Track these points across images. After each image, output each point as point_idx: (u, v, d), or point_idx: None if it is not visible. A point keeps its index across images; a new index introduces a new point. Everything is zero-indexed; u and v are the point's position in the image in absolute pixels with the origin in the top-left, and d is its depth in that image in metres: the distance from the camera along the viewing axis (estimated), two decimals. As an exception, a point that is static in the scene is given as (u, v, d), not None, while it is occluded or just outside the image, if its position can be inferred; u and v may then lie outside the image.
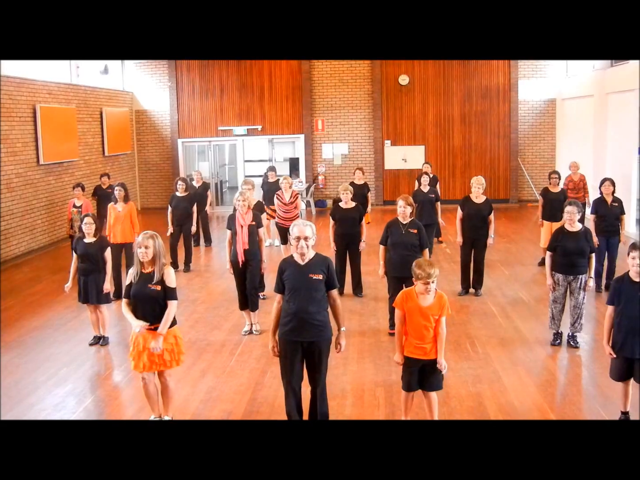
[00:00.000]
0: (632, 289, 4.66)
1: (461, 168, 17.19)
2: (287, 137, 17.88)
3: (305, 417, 4.86)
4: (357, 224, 8.46)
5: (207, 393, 5.75)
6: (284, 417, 4.86)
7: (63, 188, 13.47)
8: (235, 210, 7.24)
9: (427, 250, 6.94)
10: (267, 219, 10.54)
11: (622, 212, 8.53)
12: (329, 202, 16.80)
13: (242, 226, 7.01)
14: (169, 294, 4.81)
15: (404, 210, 6.92)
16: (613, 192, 8.53)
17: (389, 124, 17.26)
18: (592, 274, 6.64)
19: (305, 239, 4.49)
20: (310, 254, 4.58)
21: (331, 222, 8.62)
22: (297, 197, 10.01)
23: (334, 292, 4.66)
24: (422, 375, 4.67)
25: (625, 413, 4.96)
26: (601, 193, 8.61)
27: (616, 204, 8.48)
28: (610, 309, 4.82)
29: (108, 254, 7.00)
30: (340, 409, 5.32)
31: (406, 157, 17.23)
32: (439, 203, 10.36)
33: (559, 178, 9.91)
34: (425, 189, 10.28)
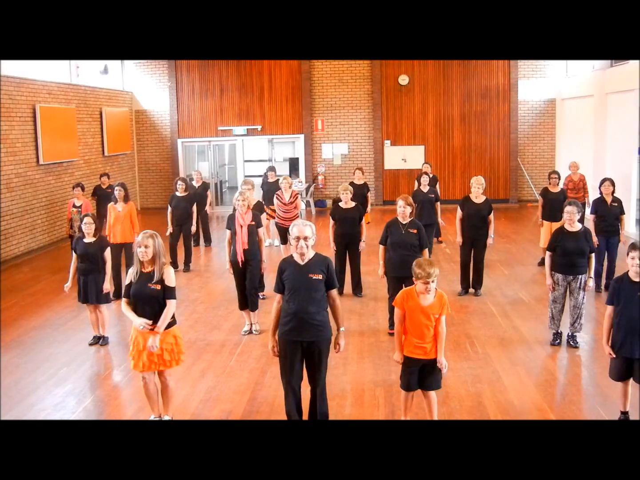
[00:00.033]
0: (631, 289, 4.66)
1: (461, 168, 17.19)
2: (286, 137, 17.88)
3: (305, 417, 4.86)
4: (357, 224, 8.46)
5: (207, 393, 5.75)
6: (283, 417, 4.86)
7: (63, 188, 13.47)
8: (234, 210, 7.25)
9: (426, 250, 6.94)
10: (267, 219, 10.54)
11: (622, 212, 8.53)
12: (329, 202, 16.81)
13: (241, 226, 7.01)
14: (168, 293, 4.81)
15: (403, 210, 6.92)
16: (613, 192, 8.54)
17: (388, 124, 17.26)
18: (592, 274, 6.64)
19: (305, 239, 4.50)
20: (310, 254, 4.58)
21: (331, 222, 8.62)
22: (296, 197, 10.01)
23: (334, 292, 4.66)
24: (421, 374, 4.68)
25: (624, 413, 4.97)
26: (601, 193, 8.61)
27: (616, 204, 8.49)
28: (609, 308, 4.82)
29: (108, 254, 7.01)
30: (340, 409, 5.32)
31: (406, 157, 17.23)
32: (438, 203, 10.36)
33: (559, 178, 9.91)
34: (425, 189, 10.28)
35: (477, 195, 8.43)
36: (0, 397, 5.63)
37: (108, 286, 7.02)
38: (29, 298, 9.13)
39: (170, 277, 4.83)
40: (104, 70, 16.60)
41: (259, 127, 17.50)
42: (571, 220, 6.50)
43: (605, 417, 5.09)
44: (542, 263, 9.71)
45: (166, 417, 5.08)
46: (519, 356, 6.47)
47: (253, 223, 7.10)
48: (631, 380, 4.82)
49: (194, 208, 10.60)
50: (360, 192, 10.47)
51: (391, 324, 6.63)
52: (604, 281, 8.58)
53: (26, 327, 7.82)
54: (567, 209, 6.56)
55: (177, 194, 10.42)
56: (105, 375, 6.38)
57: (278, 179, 10.72)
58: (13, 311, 8.49)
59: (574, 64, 16.23)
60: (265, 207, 9.87)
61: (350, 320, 7.56)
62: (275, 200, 10.00)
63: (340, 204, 8.57)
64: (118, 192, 8.69)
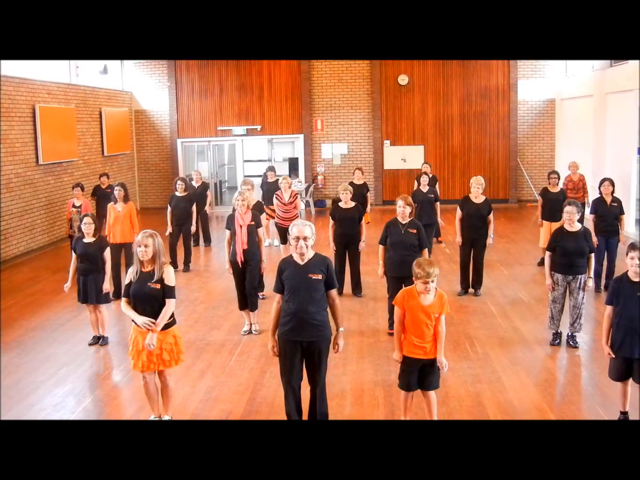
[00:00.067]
0: (631, 289, 4.67)
1: (460, 168, 17.19)
2: (286, 137, 17.87)
3: (305, 417, 4.86)
4: (357, 223, 8.46)
5: (207, 393, 5.75)
6: (283, 417, 4.87)
7: (62, 188, 13.47)
8: (234, 210, 7.25)
9: (426, 250, 6.95)
10: (267, 219, 10.54)
11: (622, 212, 8.54)
12: (329, 202, 16.81)
13: (241, 226, 7.01)
14: (168, 292, 4.82)
15: (403, 210, 6.92)
16: (612, 192, 8.54)
17: (388, 124, 17.26)
18: (592, 274, 6.65)
19: (305, 238, 4.50)
20: (309, 254, 4.58)
21: (331, 222, 8.62)
22: (296, 197, 10.01)
23: (333, 292, 4.66)
24: (421, 374, 4.69)
25: (624, 413, 4.97)
26: (600, 193, 8.62)
27: (615, 204, 8.49)
28: (609, 309, 4.82)
29: (107, 253, 7.01)
30: (339, 409, 5.32)
31: (405, 157, 17.23)
32: (438, 203, 10.36)
33: (558, 178, 9.91)
34: (425, 189, 10.28)
35: (477, 195, 8.44)
36: (0, 397, 5.63)
37: (108, 286, 7.02)
38: (29, 298, 9.13)
39: (170, 277, 4.84)
40: (103, 70, 16.60)
41: (259, 127, 17.50)
42: (571, 220, 6.51)
43: (605, 417, 5.09)
44: (541, 263, 9.72)
45: (166, 417, 5.09)
46: (519, 356, 6.47)
47: (253, 223, 7.10)
48: (630, 380, 4.82)
49: (194, 208, 10.60)
50: (359, 192, 10.47)
51: (391, 324, 6.63)
52: (603, 281, 8.58)
53: (26, 327, 7.81)
54: (567, 209, 6.56)
55: (177, 194, 10.42)
56: (105, 375, 6.38)
57: (277, 179, 10.72)
58: (13, 311, 8.49)
59: (574, 64, 16.23)
60: (264, 207, 9.87)
61: (350, 320, 7.56)
62: (274, 200, 10.00)
63: (339, 204, 8.57)
64: (118, 192, 8.69)
